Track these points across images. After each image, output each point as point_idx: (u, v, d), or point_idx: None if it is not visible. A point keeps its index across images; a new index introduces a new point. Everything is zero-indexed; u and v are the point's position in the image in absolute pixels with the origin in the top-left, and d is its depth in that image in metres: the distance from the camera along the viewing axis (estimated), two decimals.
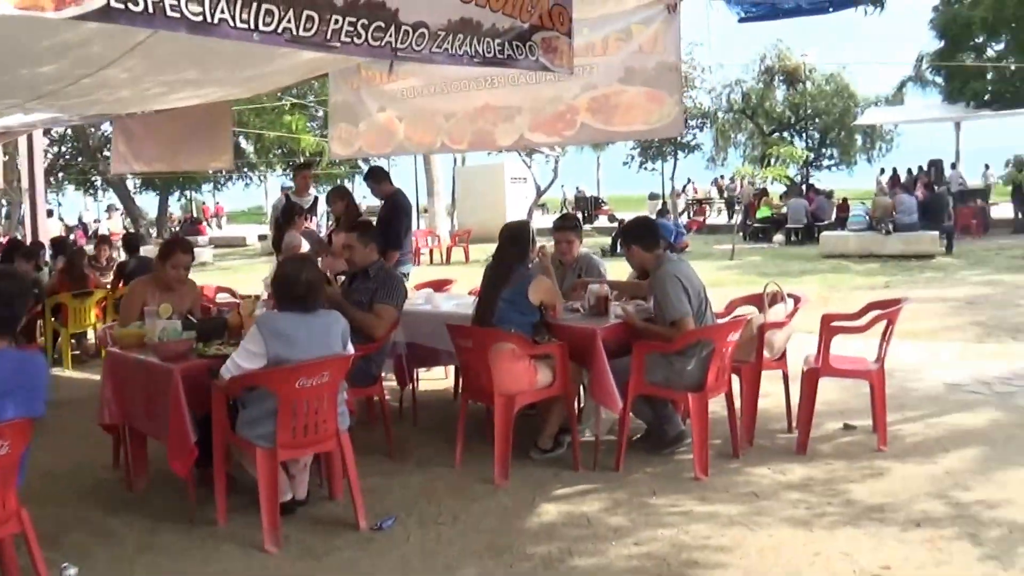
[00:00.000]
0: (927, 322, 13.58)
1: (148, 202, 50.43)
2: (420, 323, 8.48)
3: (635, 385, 7.11)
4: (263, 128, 37.37)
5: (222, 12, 4.45)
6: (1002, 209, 33.37)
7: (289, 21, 4.78)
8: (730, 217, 36.49)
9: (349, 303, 7.65)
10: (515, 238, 7.60)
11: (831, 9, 7.84)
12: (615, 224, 39.60)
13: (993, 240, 27.39)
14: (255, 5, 4.59)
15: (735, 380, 7.73)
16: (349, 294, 7.97)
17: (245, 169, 49.10)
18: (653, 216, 32.94)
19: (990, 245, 25.70)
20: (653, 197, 45.45)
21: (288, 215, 11.42)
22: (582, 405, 8.13)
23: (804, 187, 35.50)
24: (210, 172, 43.20)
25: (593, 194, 49.59)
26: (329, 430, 6.04)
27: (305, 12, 4.83)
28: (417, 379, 9.58)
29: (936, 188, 30.79)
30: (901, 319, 12.34)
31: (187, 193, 57.68)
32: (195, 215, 54.71)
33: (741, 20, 8.45)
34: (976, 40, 33.18)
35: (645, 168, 42.01)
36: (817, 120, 41.97)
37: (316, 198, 12.90)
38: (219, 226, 57.13)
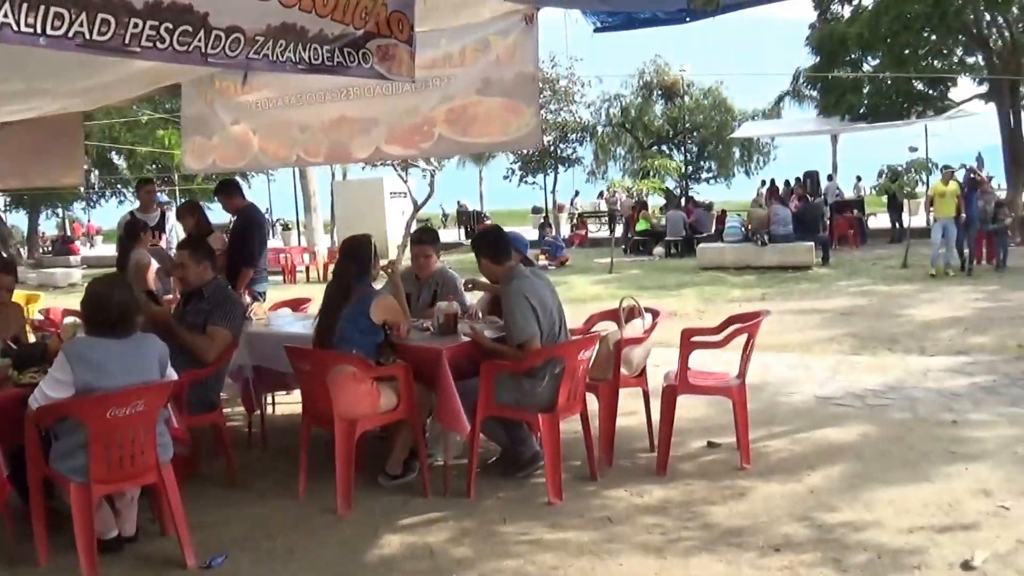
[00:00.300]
0: (801, 334, 13.50)
1: (19, 220, 48.98)
2: (265, 345, 8.02)
3: (484, 406, 6.77)
4: (135, 143, 36.33)
5: (5, 16, 4.11)
6: (881, 220, 33.93)
7: (81, 25, 4.41)
8: (611, 230, 36.40)
9: (183, 325, 7.21)
10: (355, 253, 7.19)
11: (688, 19, 7.61)
12: None
13: (870, 251, 27.72)
14: (42, 8, 4.24)
15: (592, 399, 7.42)
16: (183, 316, 7.49)
17: (119, 186, 47.73)
18: (536, 230, 32.88)
19: (867, 255, 25.96)
20: (536, 211, 45.33)
21: (132, 232, 10.85)
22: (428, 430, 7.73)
23: (684, 200, 35.59)
24: (81, 189, 41.84)
25: (476, 208, 49.25)
26: (148, 462, 5.58)
27: (100, 15, 4.47)
28: (269, 403, 9.19)
29: (812, 199, 31.09)
30: (775, 331, 12.34)
31: (58, 211, 55.95)
32: (67, 234, 52.98)
33: (596, 30, 8.22)
34: (852, 55, 33.50)
35: (525, 182, 41.79)
36: (695, 134, 42.19)
37: (164, 213, 12.35)
38: (92, 245, 55.36)
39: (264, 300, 10.32)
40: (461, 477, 6.96)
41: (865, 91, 34.84)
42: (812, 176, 35.84)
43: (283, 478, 7.31)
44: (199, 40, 4.98)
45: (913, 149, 45.79)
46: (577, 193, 49.07)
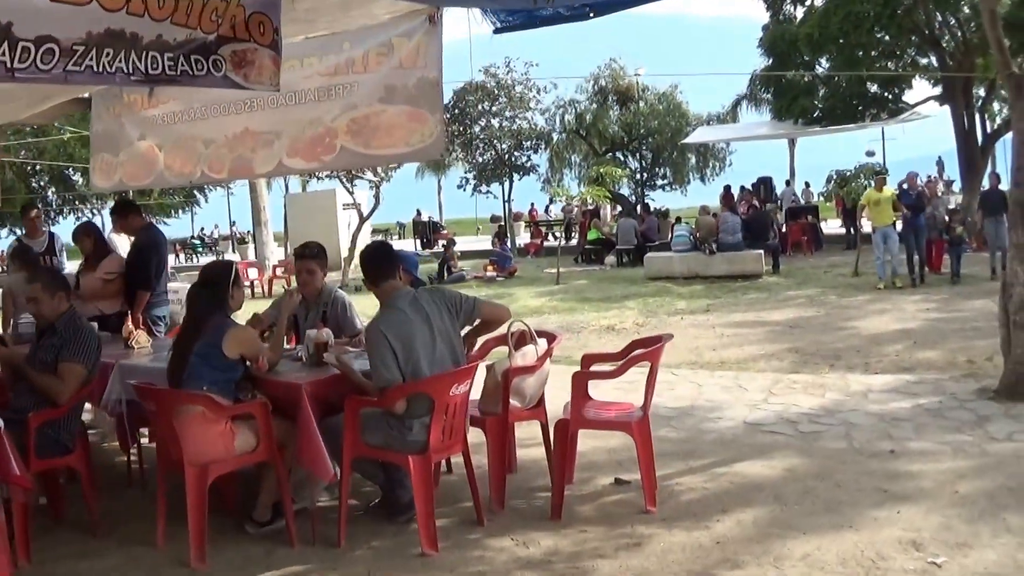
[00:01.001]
0: (740, 350, 12.86)
1: None
2: (137, 377, 7.18)
3: (351, 447, 6.07)
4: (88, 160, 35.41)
5: None
6: (839, 226, 33.34)
7: None
8: (567, 239, 35.74)
9: (35, 363, 6.56)
10: (209, 282, 6.44)
11: (592, 15, 6.97)
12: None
13: (824, 257, 27.05)
14: None
15: (480, 435, 6.70)
16: (35, 352, 6.75)
17: (76, 202, 46.77)
18: (493, 238, 32.11)
19: (820, 263, 25.27)
20: (495, 219, 44.61)
21: (15, 258, 10.25)
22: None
23: (639, 207, 34.96)
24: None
25: (432, 218, 48.46)
26: None
27: None
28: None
29: (766, 206, 30.53)
30: (715, 346, 11.64)
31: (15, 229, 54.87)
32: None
33: (497, 31, 7.59)
34: (804, 57, 32.91)
35: (479, 191, 41.02)
36: (650, 139, 41.56)
37: (52, 236, 11.79)
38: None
39: (167, 324, 9.82)
40: (335, 523, 6.20)
41: (820, 94, 34.43)
42: (766, 182, 35.23)
43: (151, 523, 6.46)
44: (2, 54, 4.45)
45: (870, 153, 45.63)
46: (552, 200, 48.11)
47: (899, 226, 18.86)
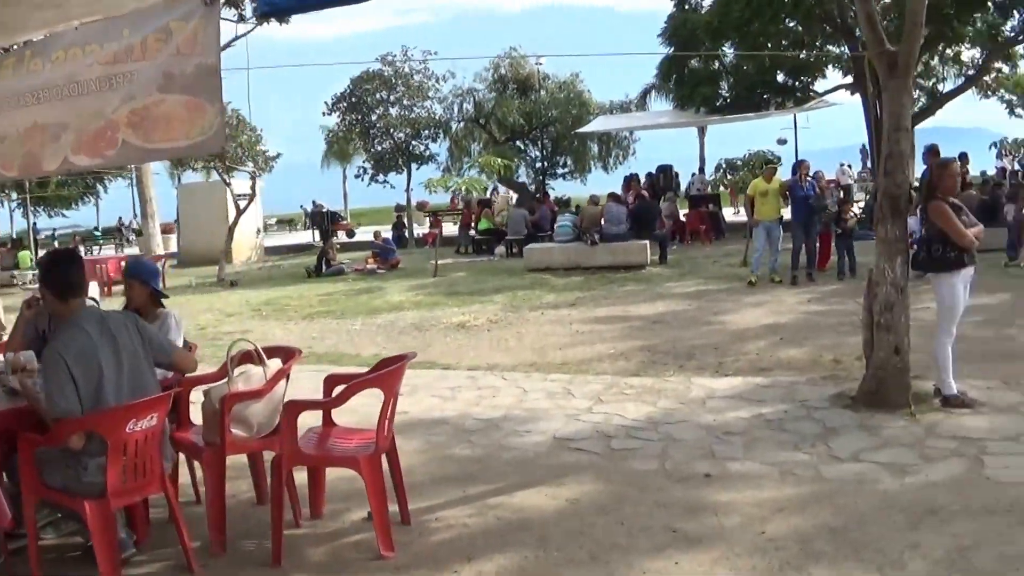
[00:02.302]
0: (590, 348, 11.83)
1: None
2: None
3: (31, 488, 5.13)
4: None
5: None
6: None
7: None
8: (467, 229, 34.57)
9: None
10: None
11: None
12: (353, 240, 37.84)
13: (722, 246, 25.87)
14: None
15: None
16: None
17: None
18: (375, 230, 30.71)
19: (715, 252, 24.15)
20: (399, 209, 43.19)
21: None
22: None
23: (539, 196, 33.81)
24: None
25: (332, 208, 46.78)
26: None
27: None
28: None
29: (666, 194, 29.54)
30: (563, 345, 11.74)
31: None
32: None
33: (262, 15, 6.46)
34: (705, 46, 32.02)
35: (376, 181, 39.51)
36: (551, 128, 40.44)
37: None
38: None
39: None
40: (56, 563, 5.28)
41: (729, 82, 33.72)
42: (666, 170, 34.23)
43: None
44: None
45: (782, 142, 44.93)
46: (430, 191, 46.61)
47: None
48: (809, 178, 17.51)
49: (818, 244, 18.06)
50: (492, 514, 5.97)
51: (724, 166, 29.52)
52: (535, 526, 5.72)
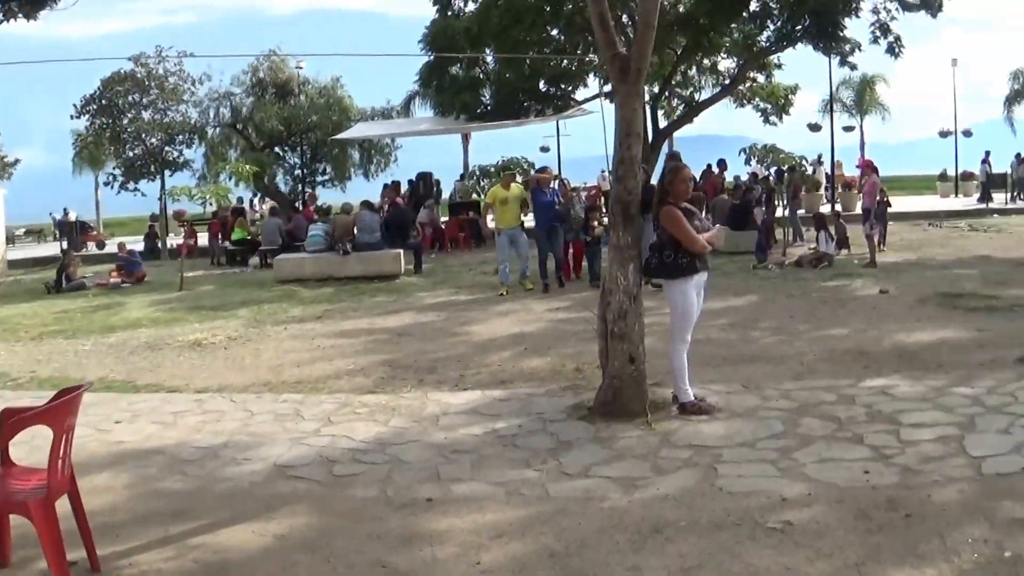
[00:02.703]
0: (330, 364, 11.35)
1: None
2: None
3: None
4: None
5: None
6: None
7: None
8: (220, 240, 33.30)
9: None
10: None
11: None
12: (104, 251, 35.93)
13: (481, 254, 25.64)
14: None
15: None
16: None
17: None
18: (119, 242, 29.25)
19: (473, 260, 23.91)
20: (154, 219, 41.43)
21: None
22: None
23: (301, 204, 32.99)
24: None
25: (82, 218, 44.50)
26: None
27: None
28: None
29: (427, 201, 29.21)
30: (302, 361, 11.34)
31: None
32: None
33: None
34: (465, 52, 31.85)
35: (127, 189, 37.67)
36: (310, 134, 39.53)
37: None
38: None
39: None
40: None
41: (491, 90, 33.65)
42: (425, 177, 33.84)
43: None
44: None
45: (544, 149, 45.28)
46: (174, 200, 44.93)
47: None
48: (553, 185, 17.43)
49: (571, 251, 18.03)
50: (191, 556, 5.43)
51: (478, 173, 29.35)
52: (234, 568, 5.24)
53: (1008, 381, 8.86)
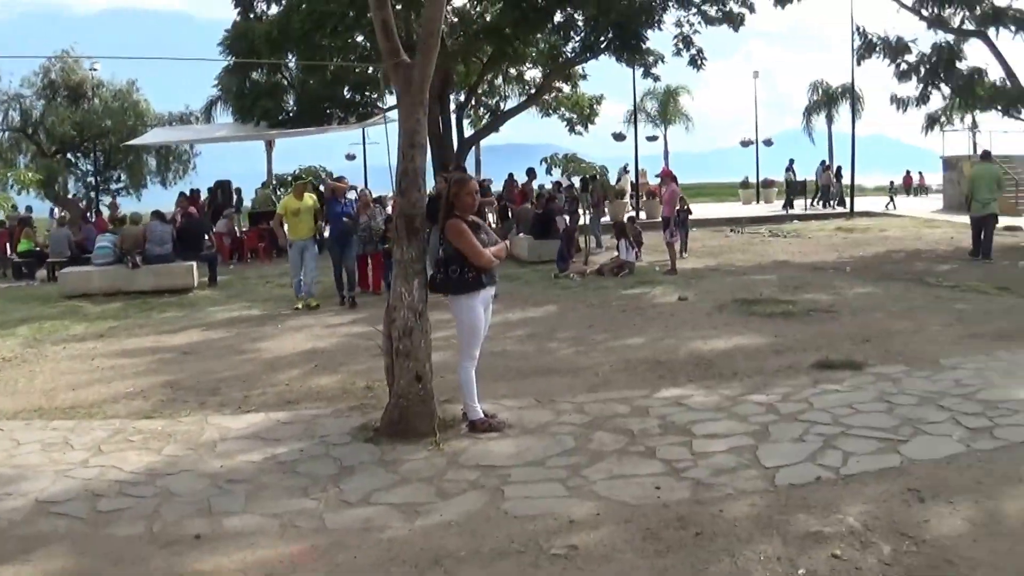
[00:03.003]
0: (108, 387, 10.65)
1: None
2: None
3: None
4: None
5: None
6: None
7: None
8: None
9: None
10: None
11: None
12: None
13: (281, 265, 24.68)
14: None
15: None
16: None
17: None
18: None
19: (273, 271, 23.19)
20: None
21: None
22: None
23: (90, 213, 31.64)
24: None
25: None
26: None
27: None
28: None
29: (225, 211, 28.38)
30: (80, 384, 10.73)
31: None
32: None
33: None
34: (266, 57, 31.16)
35: None
36: (104, 140, 38.11)
37: None
38: None
39: None
40: None
41: (293, 96, 33.07)
42: (224, 186, 32.82)
43: None
44: None
45: (351, 157, 44.73)
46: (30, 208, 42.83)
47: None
48: (351, 196, 17.00)
49: (364, 265, 17.62)
50: None
51: (275, 182, 28.80)
52: None
53: (803, 387, 9.00)
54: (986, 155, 24.06)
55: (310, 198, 16.66)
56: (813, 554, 5.14)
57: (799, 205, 42.14)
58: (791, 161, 44.17)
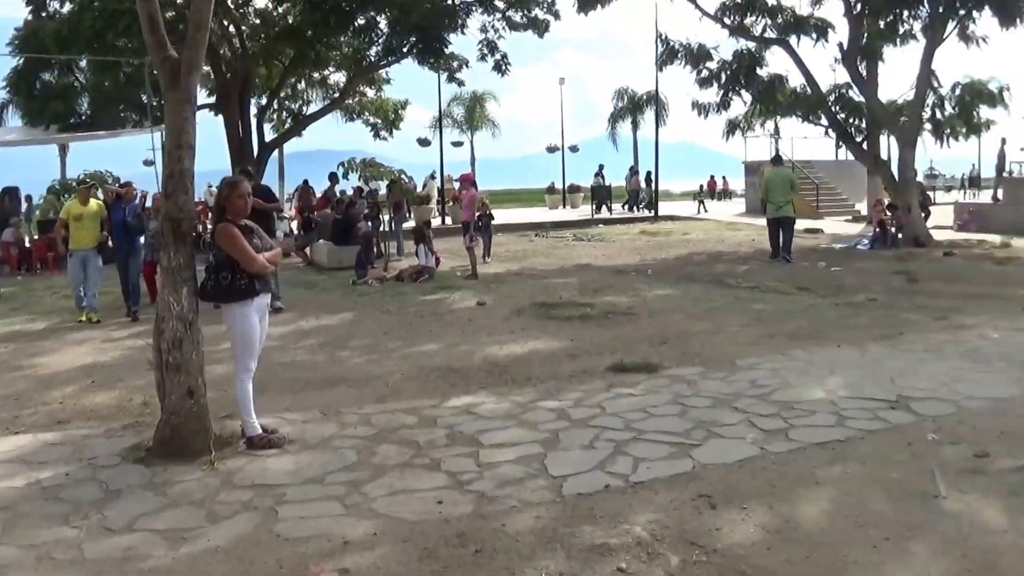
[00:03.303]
0: None
1: None
2: None
3: None
4: None
5: None
6: None
7: None
8: None
9: None
10: None
11: None
12: None
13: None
14: None
15: None
16: None
17: None
18: None
19: (61, 282, 21.63)
20: None
21: None
22: None
23: None
24: None
25: None
26: None
27: None
28: None
29: (10, 219, 26.96)
30: None
31: None
32: None
33: None
34: (58, 57, 29.85)
35: None
36: None
37: None
38: None
39: None
40: None
41: (87, 98, 31.83)
42: (11, 192, 31.13)
43: None
44: None
45: (149, 163, 43.22)
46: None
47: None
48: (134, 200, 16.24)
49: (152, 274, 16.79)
50: None
51: (58, 187, 27.65)
52: None
53: (597, 392, 8.97)
54: (778, 159, 24.91)
55: (96, 203, 15.74)
56: (598, 568, 5.02)
57: (608, 210, 42.94)
58: (601, 167, 44.91)
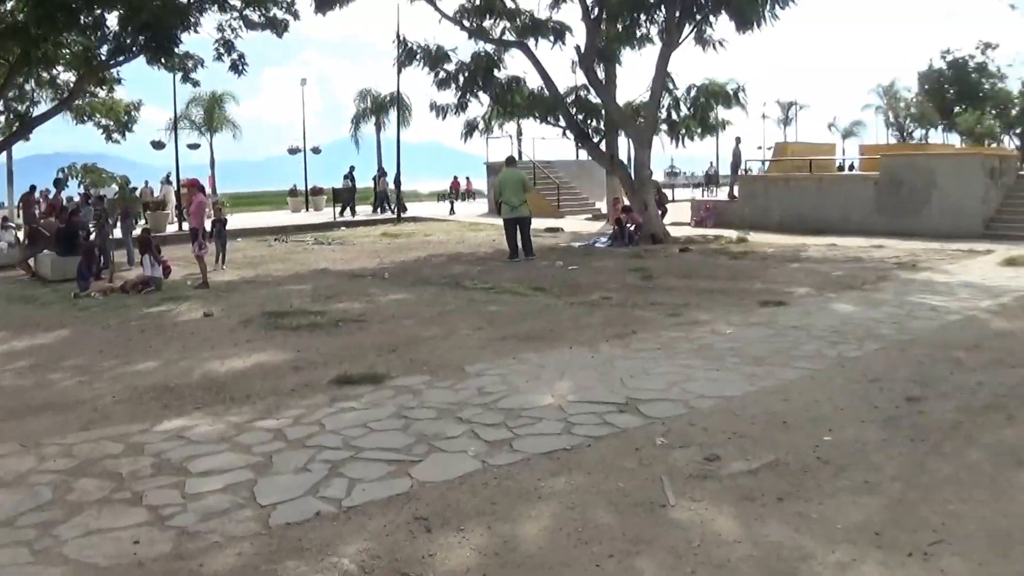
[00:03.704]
0: None
1: None
2: None
3: None
4: None
5: None
6: None
7: None
8: None
9: None
10: None
11: None
12: None
13: None
14: None
15: None
16: None
17: None
18: None
19: None
20: None
21: None
22: None
23: None
24: None
25: None
26: None
27: None
28: None
29: None
30: None
31: None
32: None
33: None
34: None
35: None
36: None
37: None
38: None
39: None
40: None
41: None
42: None
43: None
44: None
45: None
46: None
47: None
48: None
49: None
50: None
51: None
52: None
53: (318, 407, 8.55)
54: (510, 161, 25.26)
55: None
56: None
57: (358, 211, 42.65)
58: (352, 168, 44.55)
